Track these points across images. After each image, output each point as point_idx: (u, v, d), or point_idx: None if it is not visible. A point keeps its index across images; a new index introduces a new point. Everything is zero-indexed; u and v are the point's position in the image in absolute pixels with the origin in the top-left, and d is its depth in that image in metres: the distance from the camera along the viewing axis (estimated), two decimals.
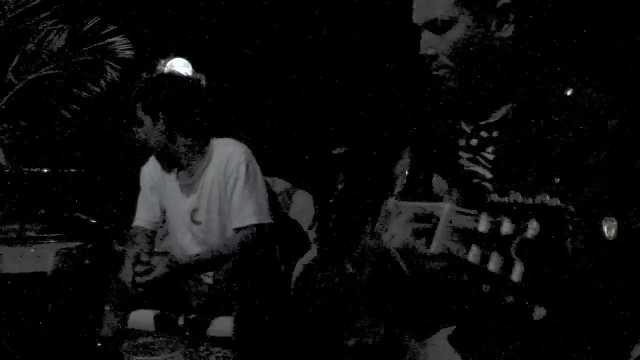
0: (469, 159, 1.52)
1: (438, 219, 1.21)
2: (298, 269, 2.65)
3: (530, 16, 1.42)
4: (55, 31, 4.56)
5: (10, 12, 4.41)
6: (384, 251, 1.41)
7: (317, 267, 2.42)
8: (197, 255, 2.63)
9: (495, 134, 1.47)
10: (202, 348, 2.56)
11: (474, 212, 1.09)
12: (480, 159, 1.49)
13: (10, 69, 4.52)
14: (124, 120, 2.67)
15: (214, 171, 2.68)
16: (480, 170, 1.49)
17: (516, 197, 0.98)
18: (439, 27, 1.40)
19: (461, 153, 1.53)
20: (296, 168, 3.38)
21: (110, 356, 2.14)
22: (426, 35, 1.44)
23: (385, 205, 1.63)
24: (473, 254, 1.02)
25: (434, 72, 1.46)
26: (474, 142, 1.51)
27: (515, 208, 0.97)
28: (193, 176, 2.71)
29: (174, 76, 2.83)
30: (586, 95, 1.36)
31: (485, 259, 0.99)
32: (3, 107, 4.49)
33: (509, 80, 1.45)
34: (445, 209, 1.19)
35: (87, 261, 2.44)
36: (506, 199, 0.99)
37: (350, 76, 4.67)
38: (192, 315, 2.55)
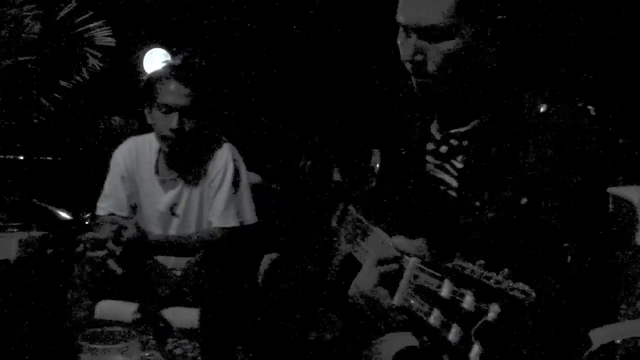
0: (436, 166, 1.49)
1: (403, 269, 1.20)
2: (265, 263, 2.65)
3: (516, 32, 1.40)
4: (30, 17, 4.45)
5: None
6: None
7: (282, 262, 2.43)
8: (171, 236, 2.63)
9: (465, 142, 1.45)
10: (170, 339, 2.56)
11: (438, 274, 1.08)
12: (448, 167, 1.47)
13: None
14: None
15: (199, 168, 2.67)
16: (446, 178, 1.47)
17: (480, 267, 0.97)
18: (435, 35, 1.32)
19: (428, 158, 1.51)
20: (269, 163, 3.38)
21: (72, 345, 2.14)
22: (415, 40, 1.35)
23: (350, 211, 1.61)
24: (434, 318, 1.02)
25: (418, 79, 1.39)
26: (443, 149, 1.48)
27: (478, 284, 0.96)
28: (176, 171, 2.68)
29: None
30: (559, 113, 1.33)
31: (445, 325, 0.99)
32: None
33: (487, 92, 1.42)
34: (410, 263, 1.18)
35: (49, 250, 2.43)
36: (471, 268, 0.98)
37: (326, 72, 4.68)
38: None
